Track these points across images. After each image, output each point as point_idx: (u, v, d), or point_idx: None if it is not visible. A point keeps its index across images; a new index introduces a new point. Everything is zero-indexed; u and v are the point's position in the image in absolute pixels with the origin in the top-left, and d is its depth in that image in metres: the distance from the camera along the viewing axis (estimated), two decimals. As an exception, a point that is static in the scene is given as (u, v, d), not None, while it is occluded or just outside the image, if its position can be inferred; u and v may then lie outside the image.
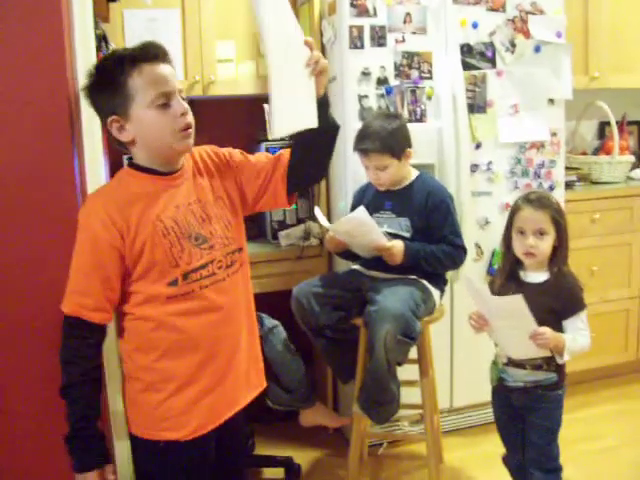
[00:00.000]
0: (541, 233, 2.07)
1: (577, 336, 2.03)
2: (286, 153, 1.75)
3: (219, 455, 1.77)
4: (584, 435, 2.99)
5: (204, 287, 1.61)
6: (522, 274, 2.14)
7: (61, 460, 1.66)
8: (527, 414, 2.14)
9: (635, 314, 3.67)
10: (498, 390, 2.23)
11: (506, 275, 2.17)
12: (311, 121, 1.62)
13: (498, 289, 2.16)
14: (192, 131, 1.60)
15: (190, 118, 1.59)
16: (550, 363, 2.07)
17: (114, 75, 1.54)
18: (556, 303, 2.05)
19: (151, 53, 1.56)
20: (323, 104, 1.65)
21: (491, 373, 2.22)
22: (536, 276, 2.11)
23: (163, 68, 1.56)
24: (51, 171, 1.84)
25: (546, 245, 2.07)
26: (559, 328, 2.03)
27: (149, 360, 1.61)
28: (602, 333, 3.56)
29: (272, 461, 2.88)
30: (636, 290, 3.66)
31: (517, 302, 1.93)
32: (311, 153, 1.73)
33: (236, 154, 1.79)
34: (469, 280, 2.12)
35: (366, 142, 2.55)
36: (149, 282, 1.57)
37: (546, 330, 1.97)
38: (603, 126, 4.14)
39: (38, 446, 1.88)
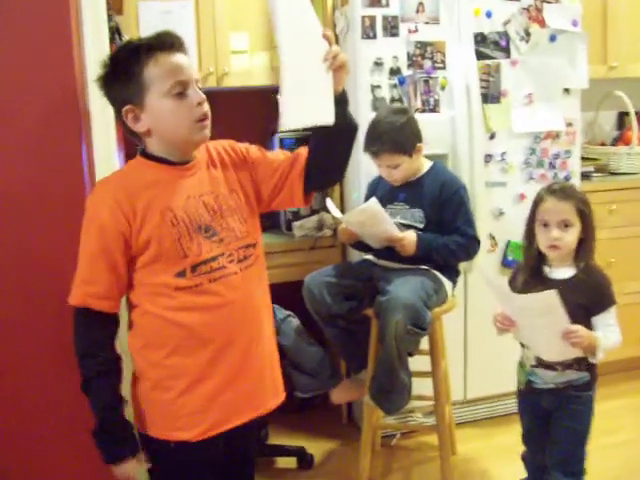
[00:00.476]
0: (566, 225, 1.98)
1: (608, 333, 1.95)
2: (304, 152, 1.70)
3: (228, 458, 1.74)
4: (601, 429, 2.89)
5: (213, 280, 1.57)
6: (547, 270, 2.05)
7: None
8: (555, 414, 2.08)
9: (654, 307, 3.63)
10: (526, 393, 2.14)
11: (530, 271, 2.08)
12: (326, 117, 1.56)
13: (521, 286, 2.08)
14: (208, 122, 1.58)
15: (207, 108, 1.57)
16: (581, 362, 1.99)
17: (129, 65, 1.52)
18: (585, 299, 1.96)
19: (167, 42, 1.54)
20: (341, 101, 1.59)
21: (518, 376, 2.15)
22: (562, 272, 2.02)
23: (179, 57, 1.55)
24: (58, 164, 1.87)
25: (571, 237, 1.99)
26: (588, 326, 1.94)
27: (159, 357, 1.58)
28: (620, 326, 3.52)
29: (285, 451, 2.90)
30: (654, 282, 3.61)
31: (550, 298, 1.85)
32: (328, 153, 1.67)
33: (253, 150, 1.75)
34: (489, 279, 2.07)
35: (376, 143, 2.54)
36: (156, 272, 1.55)
37: (579, 328, 1.89)
38: (622, 116, 4.08)
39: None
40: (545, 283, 2.01)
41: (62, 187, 1.87)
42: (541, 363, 2.05)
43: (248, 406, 1.66)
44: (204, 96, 1.57)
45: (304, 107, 1.51)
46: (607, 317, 1.98)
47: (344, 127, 1.62)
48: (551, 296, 1.85)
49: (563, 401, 2.05)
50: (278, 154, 1.77)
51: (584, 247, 2.01)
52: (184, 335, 1.57)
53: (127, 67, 1.53)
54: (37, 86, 1.81)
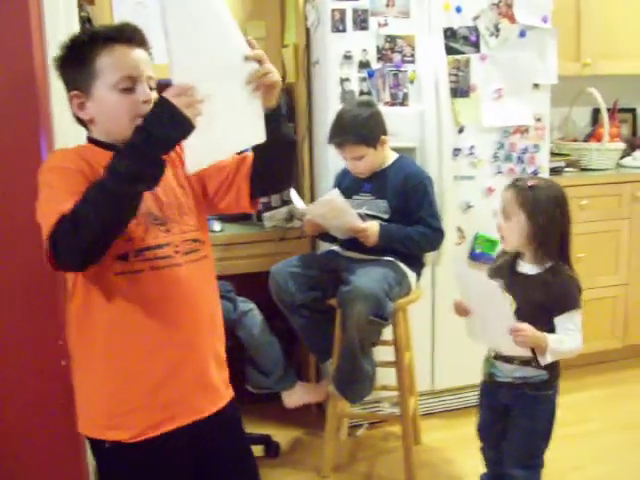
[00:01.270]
0: (506, 215, 2.01)
1: (565, 337, 1.92)
2: (251, 156, 1.62)
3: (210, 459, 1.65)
4: (568, 419, 2.96)
5: (156, 268, 1.50)
6: (519, 263, 2.05)
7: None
8: (512, 412, 2.07)
9: (622, 301, 3.68)
10: (487, 385, 2.16)
11: (505, 262, 2.09)
12: (253, 138, 1.49)
13: (491, 273, 2.10)
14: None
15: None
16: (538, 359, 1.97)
17: (84, 50, 1.49)
18: (544, 299, 1.95)
19: (126, 35, 1.51)
20: (274, 118, 1.51)
21: (483, 367, 2.15)
22: (529, 267, 2.02)
23: (135, 52, 1.51)
24: (14, 151, 1.86)
25: (510, 228, 2.00)
26: (550, 325, 1.94)
27: (95, 345, 1.51)
28: (589, 320, 3.48)
29: (250, 439, 2.91)
30: (624, 277, 3.66)
31: (492, 287, 1.86)
32: (268, 165, 1.60)
33: None
34: (458, 257, 2.08)
35: (340, 135, 2.57)
36: None
37: (526, 327, 1.87)
38: (596, 113, 4.11)
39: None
40: (512, 276, 2.04)
41: (19, 175, 1.87)
42: (500, 355, 2.06)
43: (188, 408, 1.57)
44: (153, 96, 1.50)
45: (215, 140, 1.39)
46: (567, 320, 1.94)
47: (279, 143, 1.55)
48: (493, 286, 1.87)
49: (520, 399, 2.04)
50: None
51: (543, 246, 1.98)
52: (122, 323, 1.49)
53: (81, 52, 1.49)
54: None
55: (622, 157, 3.87)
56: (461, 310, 2.05)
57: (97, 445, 1.54)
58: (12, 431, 1.92)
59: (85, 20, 2.77)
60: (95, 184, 1.32)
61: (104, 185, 1.31)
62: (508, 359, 2.04)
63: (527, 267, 2.02)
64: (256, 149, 1.57)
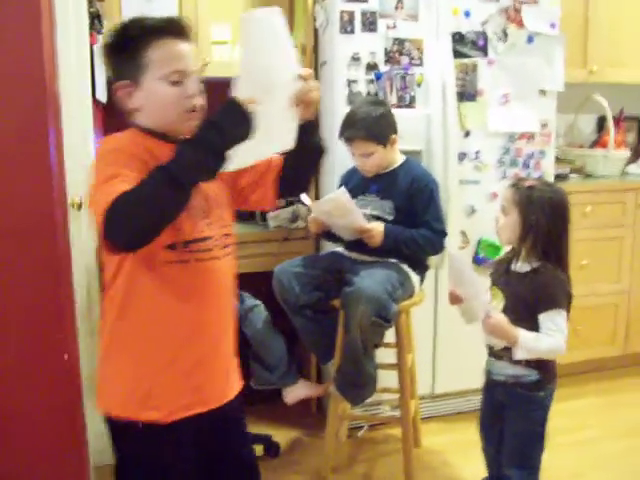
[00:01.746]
0: (503, 211, 2.07)
1: (543, 336, 1.95)
2: (277, 159, 1.72)
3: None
4: (567, 426, 3.00)
5: (200, 260, 1.56)
6: (514, 261, 2.09)
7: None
8: (507, 412, 2.10)
9: (623, 309, 3.68)
10: (486, 383, 2.19)
11: (504, 261, 2.14)
12: (283, 145, 1.59)
13: (491, 271, 2.18)
14: (198, 115, 1.55)
15: (200, 101, 1.56)
16: (530, 359, 2.01)
17: (135, 41, 1.51)
18: (527, 294, 1.99)
19: (176, 28, 1.53)
20: (309, 129, 1.61)
21: (485, 366, 2.18)
22: (520, 266, 2.06)
23: (184, 46, 1.54)
24: (23, 151, 1.87)
25: (505, 224, 2.06)
26: (536, 324, 1.97)
27: (136, 331, 1.55)
28: (590, 327, 3.58)
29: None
30: (626, 285, 3.67)
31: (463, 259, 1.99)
32: (297, 169, 1.71)
33: None
34: (454, 255, 2.12)
35: (350, 130, 2.58)
36: None
37: (498, 317, 1.94)
38: (601, 120, 4.12)
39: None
40: (506, 274, 2.09)
41: (28, 179, 1.88)
42: (492, 352, 2.11)
43: (215, 393, 1.64)
44: (200, 89, 1.56)
45: (256, 144, 1.45)
46: (548, 320, 1.96)
47: (311, 151, 1.67)
48: (460, 259, 1.99)
49: (513, 399, 2.07)
50: None
51: (532, 245, 2.01)
52: (160, 314, 1.54)
53: (132, 43, 1.52)
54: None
55: (627, 165, 3.89)
56: (453, 298, 2.09)
57: (127, 426, 1.56)
58: (14, 426, 1.93)
59: (94, 16, 2.77)
60: (157, 169, 1.35)
61: (167, 171, 1.34)
62: (498, 356, 2.08)
63: (519, 265, 2.06)
64: (288, 154, 1.65)
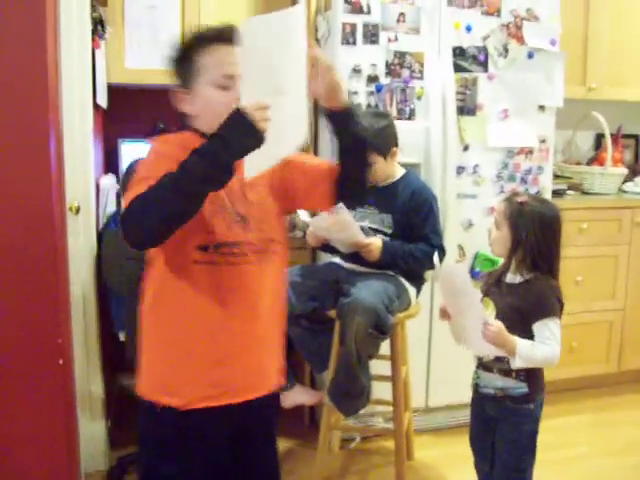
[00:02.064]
0: (496, 224, 2.09)
1: (538, 344, 1.95)
2: (331, 164, 1.72)
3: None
4: (558, 443, 3.00)
5: (231, 264, 1.59)
6: (505, 274, 2.09)
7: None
8: (498, 425, 2.10)
9: (618, 326, 3.69)
10: (474, 397, 2.18)
11: (496, 271, 2.15)
12: (295, 142, 1.55)
13: (482, 282, 2.18)
14: None
15: None
16: (519, 371, 2.01)
17: (188, 50, 1.58)
18: (520, 302, 1.99)
19: (226, 35, 1.56)
20: (341, 119, 1.59)
21: (472, 379, 2.18)
22: (512, 278, 2.07)
23: (233, 52, 1.56)
24: (23, 153, 1.87)
25: (497, 237, 2.07)
26: (529, 333, 1.97)
27: (164, 324, 1.62)
28: (584, 344, 3.59)
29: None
30: (620, 302, 3.67)
31: (459, 270, 1.95)
32: (346, 167, 1.67)
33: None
34: (446, 267, 2.13)
35: None
36: (180, 236, 1.48)
37: (497, 325, 1.93)
38: (599, 137, 4.14)
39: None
40: (498, 285, 2.09)
41: (27, 175, 1.88)
42: (481, 364, 2.11)
43: (236, 390, 1.65)
44: None
45: (269, 148, 1.43)
46: (543, 328, 1.96)
47: (350, 144, 1.64)
48: (459, 268, 1.98)
49: (504, 413, 2.06)
50: (312, 158, 1.80)
51: (518, 256, 2.02)
52: (187, 310, 1.59)
53: (186, 52, 1.59)
54: (4, 73, 1.82)
55: (624, 182, 3.90)
56: (444, 314, 2.09)
57: (149, 408, 1.62)
58: (6, 429, 1.92)
59: (97, 21, 2.78)
60: (167, 176, 1.40)
61: (175, 180, 1.39)
62: (488, 368, 2.07)
63: (510, 277, 2.07)
64: (337, 155, 1.65)
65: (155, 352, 1.65)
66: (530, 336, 1.97)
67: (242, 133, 1.38)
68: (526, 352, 1.93)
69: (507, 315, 1.99)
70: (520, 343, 1.94)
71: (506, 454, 2.08)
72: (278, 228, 1.71)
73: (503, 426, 2.08)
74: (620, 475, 2.89)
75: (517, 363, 1.95)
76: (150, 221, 1.40)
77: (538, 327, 1.97)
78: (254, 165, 1.44)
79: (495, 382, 2.06)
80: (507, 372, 2.02)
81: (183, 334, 1.61)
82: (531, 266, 2.02)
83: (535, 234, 2.00)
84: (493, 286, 2.11)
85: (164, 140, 1.63)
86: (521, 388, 2.03)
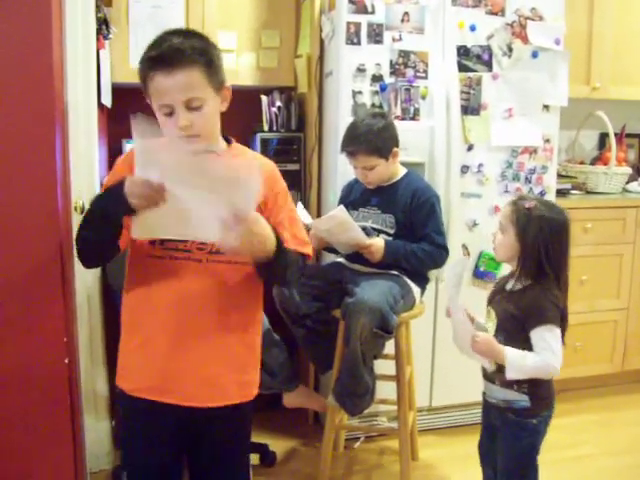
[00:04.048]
0: (501, 228, 2.04)
1: (529, 353, 1.90)
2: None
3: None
4: (562, 443, 2.99)
5: (174, 258, 1.64)
6: (509, 280, 2.07)
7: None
8: (499, 434, 2.07)
9: (623, 325, 3.69)
10: (483, 404, 2.16)
11: (502, 279, 2.13)
12: (208, 235, 1.55)
13: (491, 291, 2.15)
14: (197, 138, 1.59)
15: (192, 130, 1.57)
16: (521, 384, 1.96)
17: (141, 73, 1.61)
18: (515, 310, 1.96)
19: (166, 60, 1.54)
20: (259, 271, 1.69)
21: (483, 387, 2.15)
22: (514, 284, 2.03)
23: (173, 78, 1.54)
24: (29, 155, 1.87)
25: (501, 242, 2.03)
26: (527, 341, 1.93)
27: (124, 315, 1.73)
28: (589, 343, 3.59)
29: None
30: (625, 302, 3.67)
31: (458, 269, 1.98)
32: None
33: (281, 197, 1.76)
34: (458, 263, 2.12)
35: (353, 144, 2.58)
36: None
37: (484, 336, 1.92)
38: (603, 137, 4.14)
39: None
40: (500, 292, 2.08)
41: (32, 174, 1.88)
42: (485, 375, 2.08)
43: (179, 392, 1.67)
44: (189, 122, 1.56)
45: (169, 222, 1.54)
46: (538, 337, 1.91)
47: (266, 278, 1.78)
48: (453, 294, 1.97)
49: (505, 424, 2.03)
50: (289, 225, 1.77)
51: (521, 262, 1.98)
52: (139, 301, 1.69)
53: (142, 75, 1.62)
54: (11, 78, 1.82)
55: (628, 182, 3.89)
56: (448, 312, 2.09)
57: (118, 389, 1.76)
58: (12, 429, 1.92)
59: (102, 21, 2.79)
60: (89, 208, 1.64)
61: (87, 212, 1.64)
62: (491, 378, 2.05)
63: (511, 283, 2.04)
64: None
65: (122, 337, 1.74)
66: (529, 346, 1.92)
67: (111, 200, 1.54)
68: (517, 362, 1.89)
69: (506, 324, 1.97)
70: (510, 353, 1.90)
71: (504, 464, 2.06)
72: None
73: (503, 437, 2.05)
74: (625, 474, 2.89)
75: (509, 374, 1.90)
76: (78, 244, 1.64)
77: (534, 336, 1.92)
78: (141, 228, 1.56)
79: (497, 393, 2.04)
80: (509, 384, 1.97)
81: (135, 326, 1.70)
82: (535, 274, 1.96)
83: (544, 242, 1.94)
84: (496, 294, 2.08)
85: (124, 157, 1.72)
86: (523, 401, 1.98)
